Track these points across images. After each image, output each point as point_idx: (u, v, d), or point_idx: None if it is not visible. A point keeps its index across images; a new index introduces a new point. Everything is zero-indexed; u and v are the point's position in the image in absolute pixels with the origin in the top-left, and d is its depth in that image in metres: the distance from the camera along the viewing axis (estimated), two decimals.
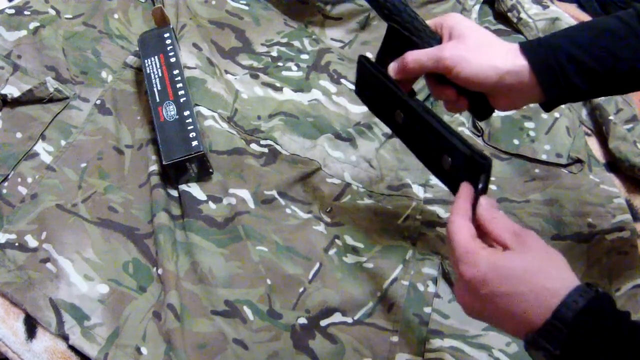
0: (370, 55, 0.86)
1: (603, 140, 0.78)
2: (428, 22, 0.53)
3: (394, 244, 0.68)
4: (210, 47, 0.83)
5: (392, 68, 0.53)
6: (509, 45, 0.50)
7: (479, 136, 0.78)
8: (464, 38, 0.49)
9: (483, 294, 0.42)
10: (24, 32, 0.81)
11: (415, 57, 0.51)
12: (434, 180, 0.72)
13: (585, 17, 0.92)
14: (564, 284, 0.39)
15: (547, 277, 0.40)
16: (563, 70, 0.48)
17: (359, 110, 0.80)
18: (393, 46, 0.53)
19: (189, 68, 0.78)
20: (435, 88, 0.54)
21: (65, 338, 0.61)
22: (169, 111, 0.71)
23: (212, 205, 0.69)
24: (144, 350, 0.61)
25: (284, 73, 0.82)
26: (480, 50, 0.49)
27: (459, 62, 0.48)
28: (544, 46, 0.49)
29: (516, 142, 0.76)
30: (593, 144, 0.78)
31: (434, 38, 0.52)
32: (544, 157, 0.75)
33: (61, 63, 0.80)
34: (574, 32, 0.50)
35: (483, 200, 0.45)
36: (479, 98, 0.52)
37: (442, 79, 0.52)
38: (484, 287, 0.42)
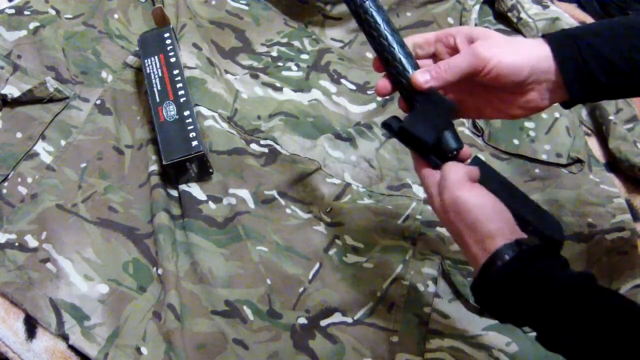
0: (371, 55, 0.86)
1: (603, 140, 0.78)
2: (435, 32, 0.51)
3: (394, 244, 0.68)
4: (210, 47, 0.83)
5: (423, 77, 0.48)
6: (531, 39, 0.50)
7: (479, 136, 0.78)
8: (488, 37, 0.49)
9: (445, 218, 0.48)
10: (24, 32, 0.81)
11: (450, 63, 0.48)
12: None
13: (586, 17, 0.92)
14: (488, 247, 0.44)
15: (466, 239, 0.45)
16: (583, 58, 0.47)
17: (359, 110, 0.80)
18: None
19: (189, 68, 0.78)
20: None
21: (65, 338, 0.61)
22: (169, 111, 0.71)
23: (212, 205, 0.69)
24: (144, 350, 0.61)
25: (284, 73, 0.82)
26: (509, 43, 0.48)
27: (495, 53, 0.47)
28: (565, 36, 0.48)
29: (516, 142, 0.76)
30: (593, 144, 0.78)
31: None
32: (544, 157, 0.75)
33: (61, 63, 0.80)
34: (597, 26, 0.50)
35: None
36: None
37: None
38: (446, 213, 0.47)
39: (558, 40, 0.48)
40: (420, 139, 0.48)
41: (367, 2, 0.50)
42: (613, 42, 0.47)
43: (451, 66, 0.48)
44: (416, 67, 0.50)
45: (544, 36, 0.49)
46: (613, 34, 0.48)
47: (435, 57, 0.52)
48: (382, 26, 0.49)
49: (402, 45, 0.50)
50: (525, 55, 0.48)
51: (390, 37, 0.49)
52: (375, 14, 0.49)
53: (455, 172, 0.47)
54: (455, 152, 0.49)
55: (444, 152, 0.49)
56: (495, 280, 0.43)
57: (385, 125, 0.50)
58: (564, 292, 0.41)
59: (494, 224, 0.44)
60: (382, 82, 0.51)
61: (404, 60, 0.49)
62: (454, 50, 0.50)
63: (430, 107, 0.48)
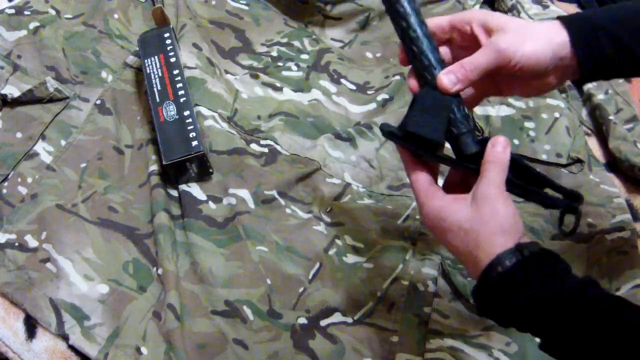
0: (371, 55, 0.86)
1: (603, 140, 0.78)
2: (448, 18, 0.50)
3: (394, 244, 0.68)
4: (210, 47, 0.83)
5: (449, 80, 0.47)
6: (546, 22, 0.50)
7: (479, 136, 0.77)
8: (505, 27, 0.48)
9: (436, 234, 0.48)
10: (24, 32, 0.81)
11: (474, 63, 0.47)
12: None
13: None
14: (490, 250, 0.44)
15: (476, 239, 0.44)
16: (600, 44, 0.48)
17: (358, 110, 0.80)
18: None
19: (189, 68, 0.78)
20: None
21: (65, 338, 0.61)
22: (169, 111, 0.71)
23: (212, 205, 0.69)
24: (144, 350, 0.61)
25: (284, 73, 0.82)
26: (528, 32, 0.48)
27: (518, 46, 0.47)
28: (582, 20, 0.49)
29: (516, 142, 0.76)
30: (593, 144, 0.78)
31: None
32: (544, 157, 0.75)
33: (61, 63, 0.80)
34: (614, 11, 0.50)
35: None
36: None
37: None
38: (433, 229, 0.48)
39: (576, 26, 0.48)
40: (430, 140, 0.47)
41: None
42: (630, 27, 0.47)
43: (476, 66, 0.47)
44: (441, 62, 0.48)
45: (560, 19, 0.49)
46: (629, 18, 0.48)
47: (450, 42, 0.51)
48: (413, 16, 0.48)
49: (430, 39, 0.48)
50: (546, 45, 0.47)
51: (419, 30, 0.48)
52: (406, 2, 0.48)
53: (497, 173, 0.46)
54: (473, 157, 0.48)
55: (463, 156, 0.48)
56: (495, 287, 0.43)
57: (388, 133, 0.49)
58: (566, 300, 0.41)
59: (506, 228, 0.44)
60: (413, 81, 0.50)
61: (430, 55, 0.48)
62: (471, 38, 0.50)
63: (427, 104, 0.47)
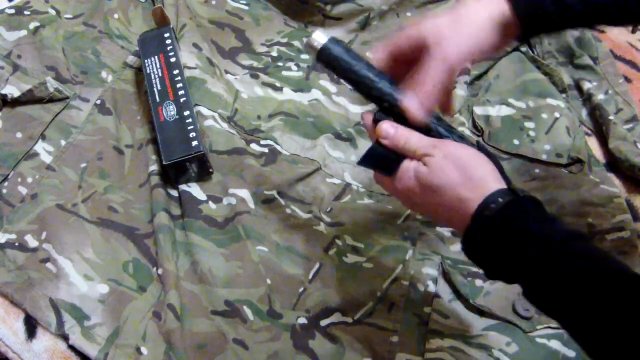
0: (370, 55, 0.86)
1: (603, 140, 0.78)
2: (385, 49, 0.52)
3: (394, 244, 0.68)
4: (210, 47, 0.83)
5: (417, 112, 0.50)
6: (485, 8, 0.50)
7: (479, 136, 0.78)
8: (441, 36, 0.49)
9: (415, 202, 0.49)
10: (24, 32, 0.81)
11: (431, 89, 0.49)
12: None
13: None
14: (477, 194, 0.44)
15: (459, 189, 0.45)
16: (543, 8, 0.49)
17: (359, 110, 0.80)
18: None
19: (189, 68, 0.78)
20: None
21: (65, 338, 0.61)
22: (169, 111, 0.71)
23: (212, 205, 0.69)
24: (144, 350, 0.61)
25: (284, 73, 0.82)
26: (466, 25, 0.49)
27: (463, 52, 0.49)
28: None
29: (516, 142, 0.76)
30: (593, 144, 0.78)
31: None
32: (544, 157, 0.75)
33: (61, 63, 0.80)
34: None
35: (386, 126, 0.51)
36: None
37: None
38: (414, 195, 0.48)
39: None
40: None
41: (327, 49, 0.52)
42: None
43: (436, 88, 0.49)
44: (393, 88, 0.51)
45: None
46: None
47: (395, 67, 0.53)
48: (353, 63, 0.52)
49: (375, 74, 0.52)
50: (490, 29, 0.49)
51: (367, 72, 0.52)
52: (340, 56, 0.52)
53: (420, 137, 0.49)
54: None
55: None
56: (488, 224, 0.43)
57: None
58: (559, 240, 0.41)
59: (486, 169, 0.46)
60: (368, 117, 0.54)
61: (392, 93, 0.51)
62: (413, 56, 0.51)
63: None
